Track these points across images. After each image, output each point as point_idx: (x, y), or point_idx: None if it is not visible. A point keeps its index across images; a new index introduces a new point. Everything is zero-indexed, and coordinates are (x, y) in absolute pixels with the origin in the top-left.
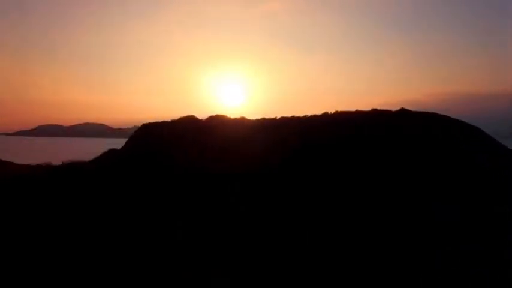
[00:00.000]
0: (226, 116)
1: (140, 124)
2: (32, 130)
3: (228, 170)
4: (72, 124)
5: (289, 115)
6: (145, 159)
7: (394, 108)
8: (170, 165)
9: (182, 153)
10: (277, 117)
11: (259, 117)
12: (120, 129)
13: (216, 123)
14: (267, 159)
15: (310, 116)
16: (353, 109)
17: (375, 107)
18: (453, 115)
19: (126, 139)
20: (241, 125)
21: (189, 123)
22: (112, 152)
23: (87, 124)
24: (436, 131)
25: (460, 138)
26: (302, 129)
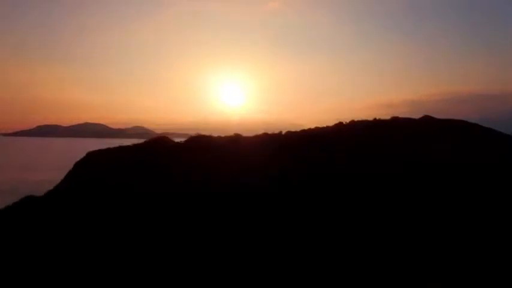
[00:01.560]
0: (211, 136)
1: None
2: (31, 130)
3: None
4: (71, 124)
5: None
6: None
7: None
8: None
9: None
10: (283, 132)
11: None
12: (119, 129)
13: (197, 145)
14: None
15: (322, 128)
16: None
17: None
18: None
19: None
20: (234, 148)
21: (154, 148)
22: (29, 201)
23: (86, 124)
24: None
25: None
26: (313, 151)
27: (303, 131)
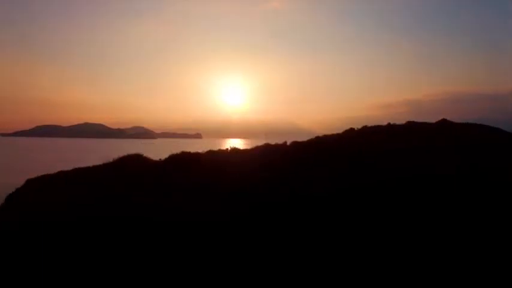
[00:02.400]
0: (198, 154)
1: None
2: (30, 130)
3: None
4: (71, 124)
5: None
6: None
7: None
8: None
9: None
10: (288, 143)
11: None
12: (119, 129)
13: (182, 164)
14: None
15: (331, 135)
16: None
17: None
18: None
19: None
20: (229, 163)
21: (123, 171)
22: None
23: (86, 124)
24: None
25: None
26: (320, 163)
27: (311, 140)
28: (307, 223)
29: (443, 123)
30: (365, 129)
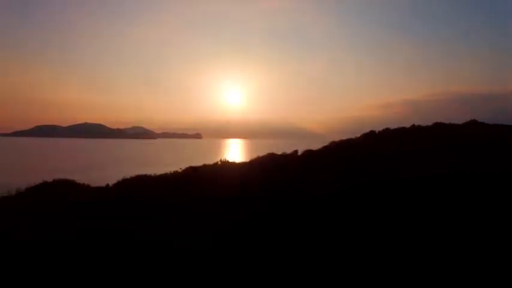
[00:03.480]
0: (157, 176)
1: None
2: (30, 130)
3: None
4: (70, 124)
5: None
6: None
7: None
8: None
9: None
10: (299, 153)
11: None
12: (118, 129)
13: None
14: None
15: (349, 140)
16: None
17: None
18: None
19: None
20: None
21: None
22: None
23: (85, 124)
24: None
25: None
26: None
27: (326, 147)
28: (309, 222)
29: (472, 123)
30: (386, 131)
